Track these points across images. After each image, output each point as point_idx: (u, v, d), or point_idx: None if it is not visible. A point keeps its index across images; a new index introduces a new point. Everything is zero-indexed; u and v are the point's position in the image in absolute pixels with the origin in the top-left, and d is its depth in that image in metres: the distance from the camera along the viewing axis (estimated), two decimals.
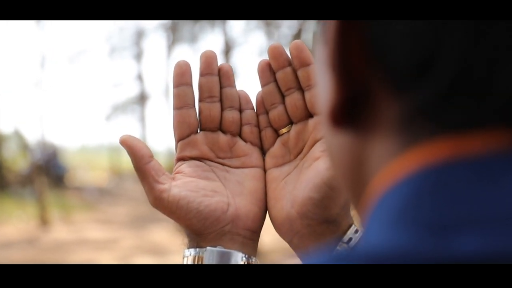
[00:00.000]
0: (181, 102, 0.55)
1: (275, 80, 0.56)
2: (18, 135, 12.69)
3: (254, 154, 0.57)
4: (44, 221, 7.83)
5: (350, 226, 0.53)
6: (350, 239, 0.52)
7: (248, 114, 0.57)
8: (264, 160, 0.58)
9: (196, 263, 0.52)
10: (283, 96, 0.56)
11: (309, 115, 0.55)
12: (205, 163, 0.56)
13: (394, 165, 0.25)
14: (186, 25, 13.78)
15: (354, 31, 0.25)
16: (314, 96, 0.54)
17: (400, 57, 0.24)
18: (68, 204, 9.86)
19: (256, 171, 0.57)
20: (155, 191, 0.52)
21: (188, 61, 0.56)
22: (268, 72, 0.56)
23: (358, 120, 0.27)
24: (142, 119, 18.22)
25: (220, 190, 0.55)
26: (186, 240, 0.54)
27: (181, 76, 0.55)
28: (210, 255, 0.52)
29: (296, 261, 0.51)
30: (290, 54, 0.55)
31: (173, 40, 15.28)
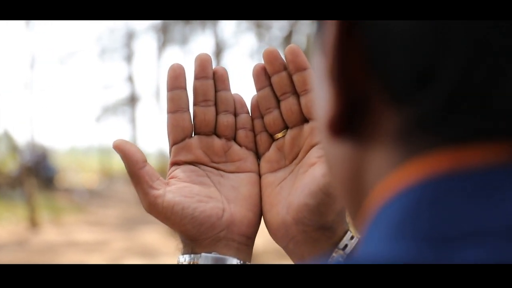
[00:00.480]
0: (175, 106, 0.55)
1: (271, 85, 0.56)
2: (7, 137, 12.62)
3: (249, 158, 0.57)
4: (33, 223, 7.79)
5: (345, 232, 0.52)
6: (346, 245, 0.52)
7: (243, 118, 0.57)
8: (259, 164, 0.57)
9: None
10: (278, 101, 0.56)
11: (304, 120, 0.55)
12: (199, 167, 0.56)
13: (393, 177, 0.25)
14: (176, 27, 13.78)
15: (353, 41, 0.25)
16: (310, 101, 0.54)
17: (400, 69, 0.24)
18: (58, 206, 9.81)
19: (251, 176, 0.56)
20: (149, 196, 0.52)
21: (182, 64, 0.55)
22: (263, 76, 0.56)
23: (357, 130, 0.26)
24: (132, 121, 18.15)
25: (215, 196, 0.54)
26: (180, 246, 0.54)
27: (175, 79, 0.55)
28: (205, 261, 0.51)
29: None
30: (286, 58, 0.54)
31: (164, 41, 15.26)
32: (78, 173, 16.74)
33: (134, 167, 0.52)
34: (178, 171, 0.55)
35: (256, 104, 0.57)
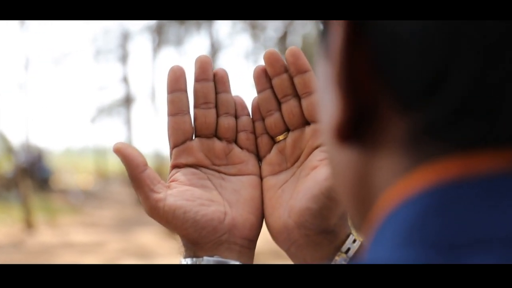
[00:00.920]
0: (176, 109, 0.54)
1: (271, 87, 0.55)
2: (2, 138, 12.56)
3: (250, 161, 0.56)
4: (29, 225, 7.77)
5: (348, 235, 0.52)
6: (349, 249, 0.51)
7: (244, 121, 0.57)
8: (260, 167, 0.57)
9: None
10: (279, 103, 0.55)
11: (305, 122, 0.55)
12: (200, 170, 0.55)
13: (401, 183, 0.24)
14: (171, 27, 13.77)
15: (361, 46, 0.25)
16: (311, 103, 0.54)
17: (409, 74, 0.23)
18: (53, 207, 9.79)
19: (253, 179, 0.56)
20: (151, 200, 0.51)
21: (182, 66, 0.55)
22: (264, 78, 0.55)
23: (364, 137, 0.26)
24: (127, 122, 18.12)
25: (217, 199, 0.54)
26: (182, 249, 0.53)
27: (176, 82, 0.54)
28: None
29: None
30: (286, 60, 0.54)
31: (159, 42, 15.23)
32: (73, 174, 16.67)
33: (135, 170, 0.52)
34: (179, 174, 0.55)
35: (257, 106, 0.56)
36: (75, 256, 5.89)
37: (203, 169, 0.56)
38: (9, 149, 10.20)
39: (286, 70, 0.54)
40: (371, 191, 0.27)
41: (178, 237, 0.54)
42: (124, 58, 17.40)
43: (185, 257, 0.53)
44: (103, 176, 17.94)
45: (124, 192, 13.24)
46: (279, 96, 0.55)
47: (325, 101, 0.28)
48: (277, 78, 0.55)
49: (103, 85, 19.43)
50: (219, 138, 0.56)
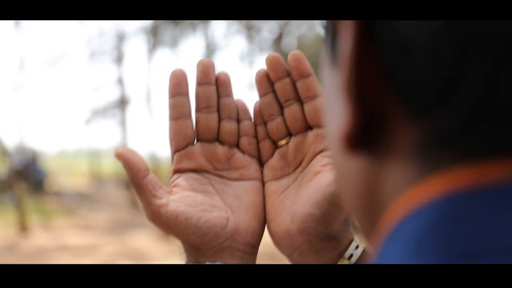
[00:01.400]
0: (178, 113, 0.54)
1: (274, 91, 0.55)
2: None
3: (252, 166, 0.56)
4: (23, 227, 7.74)
5: (351, 241, 0.52)
6: (351, 255, 0.51)
7: (246, 125, 0.56)
8: (262, 172, 0.57)
9: None
10: (281, 107, 0.55)
11: (308, 127, 0.55)
12: (202, 175, 0.55)
13: (411, 192, 0.24)
14: (167, 29, 13.76)
15: (370, 53, 0.24)
16: (314, 108, 0.53)
17: (419, 82, 0.23)
18: (48, 209, 9.76)
19: (255, 184, 0.56)
20: (153, 206, 0.51)
21: (184, 70, 0.55)
22: (266, 82, 0.55)
23: (373, 145, 0.26)
24: (122, 124, 18.08)
25: (219, 205, 0.53)
26: (184, 255, 0.53)
27: (177, 86, 0.54)
28: None
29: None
30: (289, 65, 0.54)
31: (154, 43, 15.21)
32: (67, 177, 16.65)
33: (137, 176, 0.51)
34: (181, 179, 0.54)
35: (259, 111, 0.56)
36: (70, 259, 5.87)
37: (205, 174, 0.55)
38: (3, 151, 10.17)
39: (288, 75, 0.54)
40: (380, 199, 0.26)
41: (179, 243, 0.53)
42: (119, 59, 17.36)
43: (187, 262, 0.52)
44: (97, 178, 17.89)
45: (118, 195, 13.21)
46: (281, 101, 0.55)
47: (332, 108, 0.27)
48: (279, 83, 0.54)
49: (98, 86, 19.34)
50: (221, 143, 0.56)
